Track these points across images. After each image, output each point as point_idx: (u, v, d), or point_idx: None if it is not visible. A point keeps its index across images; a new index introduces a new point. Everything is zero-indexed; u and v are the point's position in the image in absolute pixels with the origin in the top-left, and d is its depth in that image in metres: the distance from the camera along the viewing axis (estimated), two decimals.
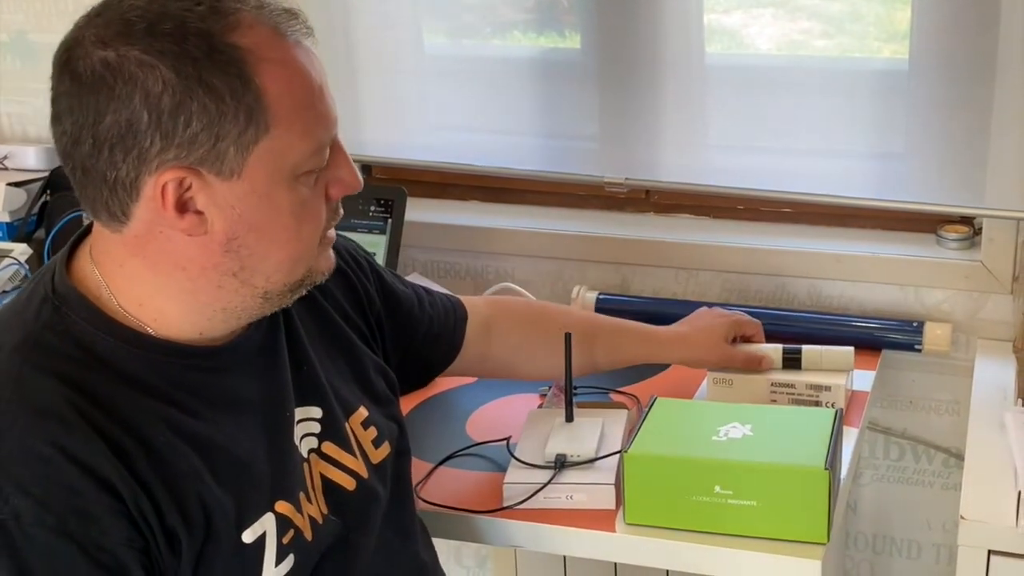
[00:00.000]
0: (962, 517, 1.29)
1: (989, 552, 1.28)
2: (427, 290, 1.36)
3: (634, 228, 1.88)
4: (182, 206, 0.92)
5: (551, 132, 1.86)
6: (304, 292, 1.03)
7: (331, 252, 1.04)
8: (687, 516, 1.23)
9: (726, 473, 1.21)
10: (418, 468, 1.41)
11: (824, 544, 1.21)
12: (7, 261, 1.76)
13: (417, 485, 1.37)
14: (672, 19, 1.73)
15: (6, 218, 1.91)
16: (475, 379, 1.65)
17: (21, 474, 0.87)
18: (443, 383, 1.63)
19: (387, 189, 1.82)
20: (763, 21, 1.75)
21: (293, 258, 0.98)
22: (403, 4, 1.89)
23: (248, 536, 0.98)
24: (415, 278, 1.64)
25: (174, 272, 0.96)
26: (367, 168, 2.05)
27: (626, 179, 1.81)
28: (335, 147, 0.99)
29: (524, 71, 1.86)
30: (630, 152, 1.80)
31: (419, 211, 1.88)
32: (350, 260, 1.23)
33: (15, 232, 1.91)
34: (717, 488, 1.21)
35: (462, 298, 1.40)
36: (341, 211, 1.03)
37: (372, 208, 1.78)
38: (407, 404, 1.56)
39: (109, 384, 0.93)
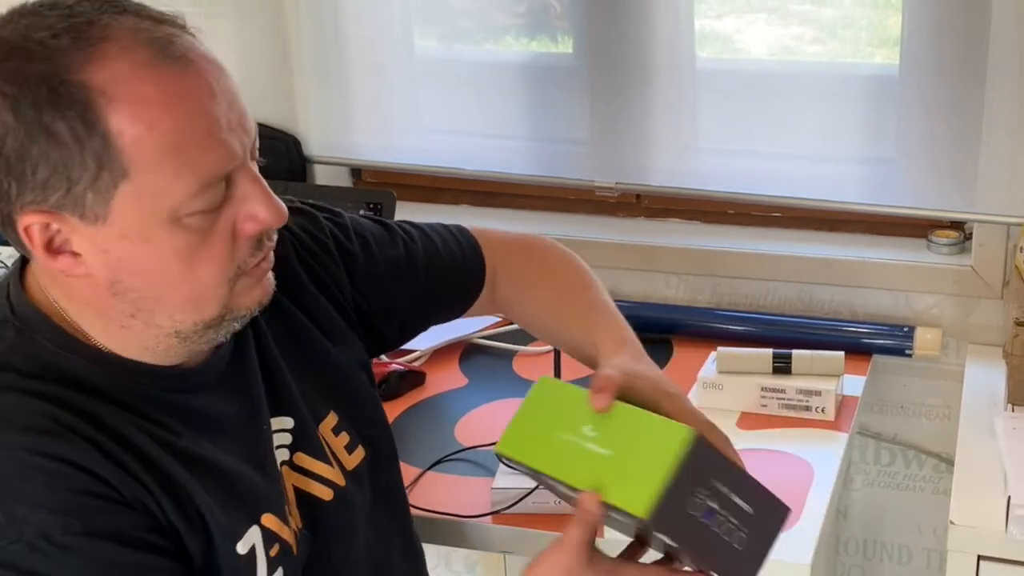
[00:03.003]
0: (952, 522, 1.28)
1: (979, 557, 1.28)
2: (442, 238, 1.24)
3: (624, 232, 1.88)
4: (55, 248, 0.87)
5: (542, 136, 1.85)
6: (238, 326, 0.95)
7: (265, 282, 0.95)
8: (546, 453, 1.01)
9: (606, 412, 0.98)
10: (406, 473, 1.40)
11: (641, 517, 0.94)
12: None
13: (405, 490, 1.36)
14: (664, 24, 1.72)
15: None
16: (464, 383, 1.64)
17: (27, 491, 0.84)
18: (431, 388, 1.63)
19: (376, 193, 1.81)
20: (756, 27, 1.75)
21: (193, 300, 0.90)
22: (394, 8, 1.88)
23: (241, 547, 0.95)
24: None
25: (86, 309, 0.91)
26: (357, 172, 2.04)
27: (617, 183, 1.80)
28: (242, 179, 0.89)
29: (515, 75, 1.86)
30: (621, 156, 1.79)
31: (409, 215, 1.85)
32: (312, 246, 1.13)
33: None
34: (586, 428, 0.99)
35: (483, 246, 1.25)
36: (271, 240, 0.94)
37: (361, 211, 1.77)
38: (395, 409, 1.56)
39: (87, 400, 0.89)
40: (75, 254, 0.87)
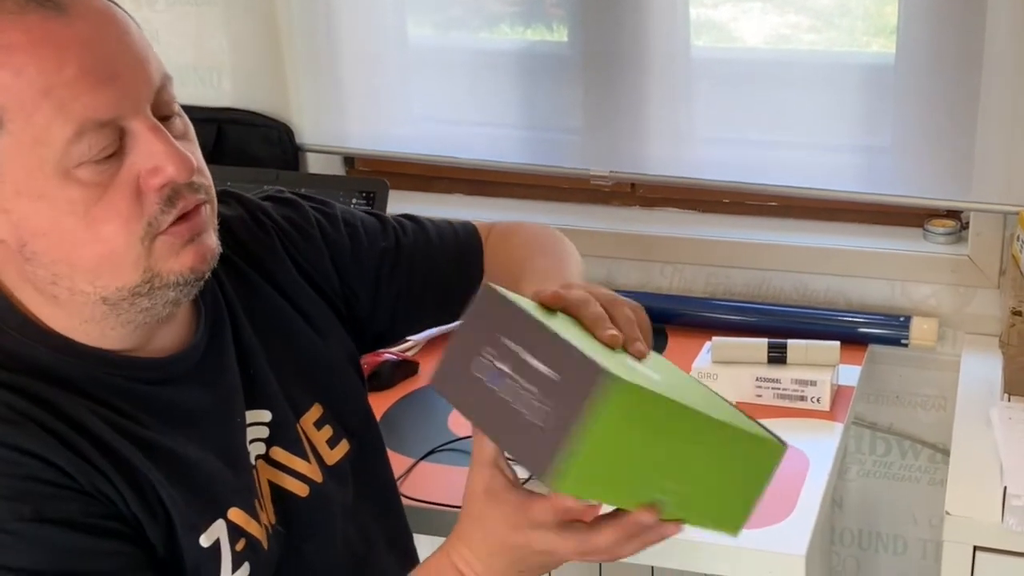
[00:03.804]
0: (947, 513, 1.28)
1: (975, 548, 1.28)
2: (439, 229, 1.20)
3: (619, 221, 1.87)
4: None
5: (536, 125, 1.85)
6: (176, 295, 0.91)
7: (197, 247, 0.90)
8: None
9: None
10: (399, 463, 1.40)
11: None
12: None
13: (398, 480, 1.35)
14: (659, 12, 1.72)
15: None
16: None
17: None
18: (425, 378, 1.62)
19: (369, 181, 1.80)
20: (752, 15, 1.75)
21: (105, 263, 0.87)
22: None
23: (205, 540, 0.94)
24: None
25: (23, 285, 0.90)
26: (350, 160, 2.03)
27: (611, 172, 1.80)
28: (138, 128, 0.85)
29: (510, 64, 1.85)
30: (616, 145, 1.79)
31: (402, 204, 1.86)
32: (296, 236, 1.11)
33: None
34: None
35: (482, 235, 1.22)
36: (185, 199, 0.88)
37: (354, 200, 1.76)
38: (388, 399, 1.56)
39: (47, 389, 0.88)
40: None
